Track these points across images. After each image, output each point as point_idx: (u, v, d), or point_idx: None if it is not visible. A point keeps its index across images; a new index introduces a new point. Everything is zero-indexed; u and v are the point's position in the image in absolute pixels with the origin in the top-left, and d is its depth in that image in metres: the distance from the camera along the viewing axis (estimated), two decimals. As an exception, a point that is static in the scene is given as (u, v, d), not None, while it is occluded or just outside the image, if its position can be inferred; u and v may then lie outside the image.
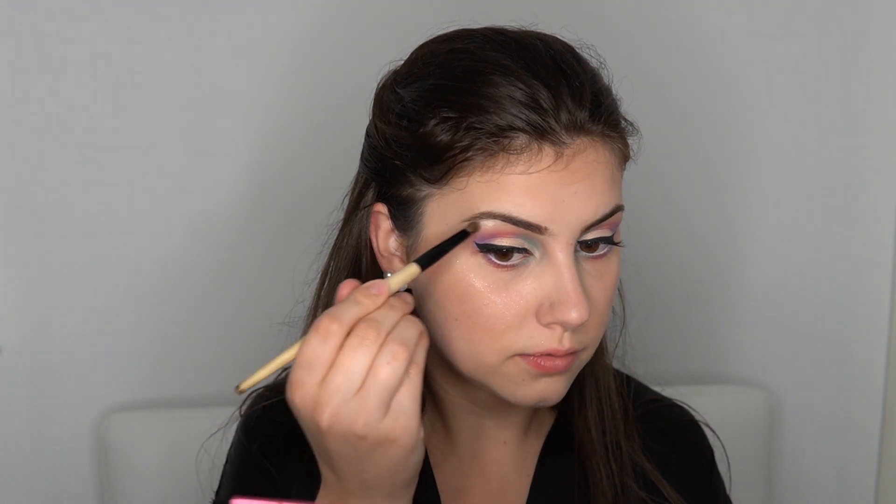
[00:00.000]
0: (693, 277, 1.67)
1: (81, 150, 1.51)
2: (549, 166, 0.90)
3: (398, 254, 0.99)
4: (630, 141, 0.98)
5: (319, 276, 1.06)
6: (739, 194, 1.65)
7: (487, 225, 0.91)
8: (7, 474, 1.57)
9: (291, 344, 0.86)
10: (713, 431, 1.16)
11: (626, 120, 0.97)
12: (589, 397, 1.07)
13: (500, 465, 1.08)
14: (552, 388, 0.95)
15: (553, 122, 0.90)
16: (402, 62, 1.00)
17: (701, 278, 1.67)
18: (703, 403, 1.24)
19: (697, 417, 1.15)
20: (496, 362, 0.94)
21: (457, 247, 0.91)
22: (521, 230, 0.90)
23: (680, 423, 1.14)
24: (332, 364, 0.82)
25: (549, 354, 0.93)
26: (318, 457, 0.88)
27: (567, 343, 0.92)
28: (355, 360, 0.82)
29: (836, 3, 1.61)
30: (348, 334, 0.83)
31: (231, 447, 1.11)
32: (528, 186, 0.90)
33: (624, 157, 0.97)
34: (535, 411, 1.09)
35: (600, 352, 1.07)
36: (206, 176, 1.54)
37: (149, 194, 1.54)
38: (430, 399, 1.06)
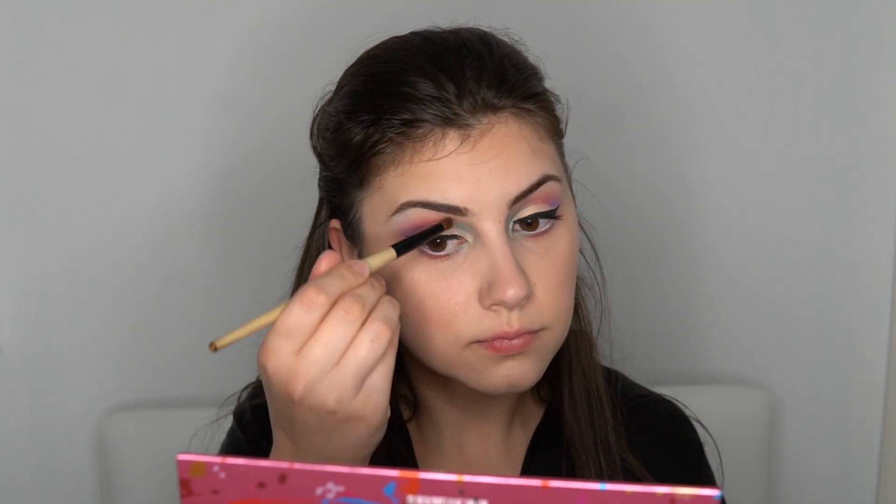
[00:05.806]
0: (693, 277, 1.67)
1: (81, 151, 1.52)
2: (455, 149, 0.91)
3: None
4: (560, 115, 0.99)
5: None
6: (739, 193, 1.65)
7: (411, 216, 0.92)
8: (7, 474, 1.57)
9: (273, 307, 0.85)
10: (703, 426, 1.16)
11: (549, 92, 0.98)
12: (578, 392, 1.07)
13: (486, 457, 1.08)
14: (518, 371, 0.94)
15: (457, 109, 0.92)
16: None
17: (701, 278, 1.67)
18: (704, 403, 1.24)
19: (687, 412, 1.15)
20: (454, 353, 0.94)
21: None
22: (444, 215, 0.91)
23: (669, 418, 1.14)
24: (313, 335, 0.82)
25: (500, 337, 0.93)
26: (276, 424, 0.88)
27: (516, 323, 0.92)
28: (337, 334, 0.81)
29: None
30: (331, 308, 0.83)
31: (226, 436, 1.12)
32: (440, 171, 0.91)
33: (547, 128, 0.97)
34: (518, 404, 1.09)
35: (587, 346, 1.07)
36: (205, 178, 1.55)
37: (148, 195, 1.54)
38: (413, 395, 1.07)
